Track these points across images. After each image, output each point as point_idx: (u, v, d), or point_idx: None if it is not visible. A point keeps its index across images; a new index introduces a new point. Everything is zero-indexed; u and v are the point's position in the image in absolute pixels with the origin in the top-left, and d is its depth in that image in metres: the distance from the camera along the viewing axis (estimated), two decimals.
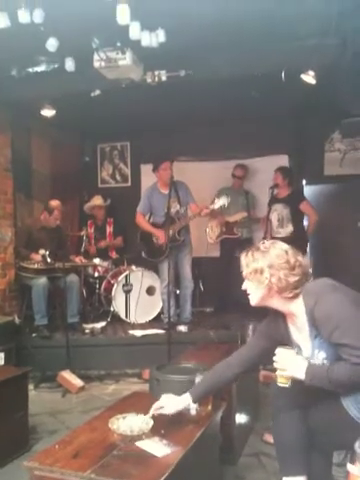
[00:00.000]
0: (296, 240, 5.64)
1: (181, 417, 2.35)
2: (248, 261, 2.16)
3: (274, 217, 5.61)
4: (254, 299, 2.21)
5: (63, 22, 3.51)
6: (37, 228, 5.60)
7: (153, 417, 2.26)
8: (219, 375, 2.42)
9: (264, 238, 5.31)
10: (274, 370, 2.11)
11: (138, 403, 2.59)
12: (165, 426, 2.23)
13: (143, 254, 5.72)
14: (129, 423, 2.22)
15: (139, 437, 2.12)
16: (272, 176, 5.80)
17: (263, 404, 3.83)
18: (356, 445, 1.58)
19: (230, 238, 6.35)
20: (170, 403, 2.33)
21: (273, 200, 5.56)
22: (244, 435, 3.32)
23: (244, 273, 2.18)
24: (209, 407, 2.44)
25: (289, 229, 5.69)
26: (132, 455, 1.98)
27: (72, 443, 2.09)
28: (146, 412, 2.31)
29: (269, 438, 3.13)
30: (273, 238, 5.51)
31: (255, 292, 2.18)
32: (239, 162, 6.53)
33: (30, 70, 4.54)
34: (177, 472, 1.87)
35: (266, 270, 2.08)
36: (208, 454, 2.44)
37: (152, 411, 2.30)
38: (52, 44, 3.70)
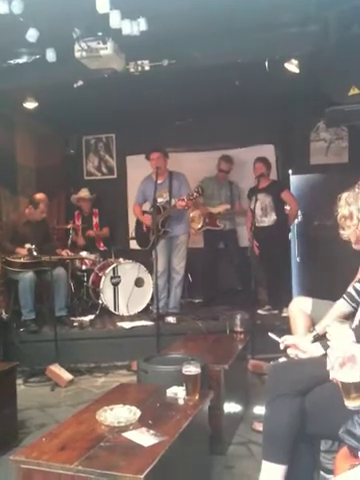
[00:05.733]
0: (279, 228, 5.73)
1: (169, 407, 2.35)
2: (341, 204, 2.17)
3: (257, 206, 5.62)
4: (354, 242, 2.23)
5: (43, 12, 3.46)
6: (22, 222, 5.54)
7: (141, 408, 2.26)
8: None
9: (250, 228, 5.32)
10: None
11: (125, 395, 2.59)
12: (152, 416, 2.22)
13: (136, 242, 5.89)
14: (116, 414, 2.21)
15: (126, 428, 2.11)
16: (253, 167, 5.79)
17: (252, 393, 3.85)
18: (340, 431, 1.59)
19: (213, 229, 6.35)
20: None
21: (254, 190, 5.58)
22: (233, 424, 3.33)
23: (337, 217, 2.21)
24: (197, 396, 2.43)
25: (273, 217, 5.72)
26: (119, 446, 1.96)
27: (59, 436, 2.08)
28: (133, 403, 2.30)
29: (258, 426, 3.15)
30: (257, 227, 5.55)
31: (350, 237, 2.20)
32: (224, 152, 6.50)
33: (11, 62, 4.48)
34: (164, 462, 1.86)
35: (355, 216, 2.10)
36: (196, 444, 2.44)
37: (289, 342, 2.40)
38: (32, 35, 3.65)
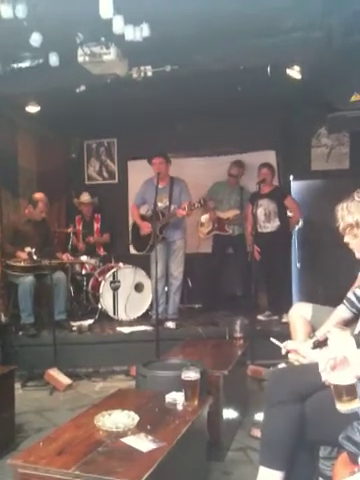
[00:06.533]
0: (282, 234, 5.72)
1: (167, 413, 2.34)
2: (343, 214, 2.13)
3: (260, 212, 5.62)
4: (357, 252, 2.20)
5: (46, 17, 3.47)
6: (22, 222, 5.53)
7: (139, 413, 2.25)
8: None
9: (251, 234, 5.31)
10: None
11: (124, 400, 2.58)
12: (151, 422, 2.21)
13: (131, 246, 5.90)
14: (115, 419, 2.20)
15: (125, 433, 2.10)
16: (258, 172, 5.78)
17: (251, 399, 3.84)
18: (340, 437, 1.58)
19: (221, 234, 6.35)
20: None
21: (256, 196, 5.58)
22: (232, 430, 3.31)
23: (340, 227, 2.16)
24: (195, 402, 2.42)
25: (276, 223, 5.70)
26: (117, 451, 1.95)
27: (57, 440, 2.07)
28: (132, 409, 2.29)
29: (257, 433, 3.13)
30: (260, 233, 5.54)
31: (356, 246, 2.17)
32: (225, 158, 6.51)
33: (14, 66, 4.48)
34: (163, 468, 1.85)
35: None
36: (195, 450, 2.43)
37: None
38: (36, 39, 3.65)
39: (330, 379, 1.70)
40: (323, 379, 1.76)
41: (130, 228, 6.02)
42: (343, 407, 1.67)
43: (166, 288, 5.68)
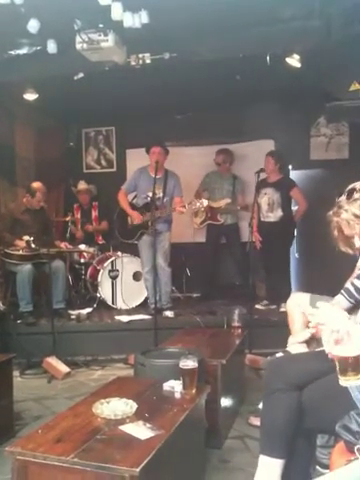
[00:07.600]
0: (285, 225, 5.68)
1: (165, 401, 2.36)
2: (351, 220, 2.06)
3: (264, 201, 5.59)
4: None
5: (44, 3, 3.44)
6: (21, 211, 5.50)
7: (137, 401, 2.26)
8: None
9: (249, 224, 5.28)
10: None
11: (122, 388, 2.59)
12: (149, 410, 2.22)
13: (116, 232, 5.81)
14: (113, 407, 2.21)
15: (123, 421, 2.11)
16: (261, 161, 5.71)
17: (249, 387, 3.86)
18: (337, 426, 1.59)
19: (214, 224, 6.35)
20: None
21: (263, 184, 5.54)
22: (229, 418, 3.33)
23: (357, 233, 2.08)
24: (193, 390, 2.43)
25: (279, 214, 5.65)
26: (115, 439, 1.96)
27: (55, 428, 2.07)
28: (130, 396, 2.30)
29: (255, 421, 3.16)
30: (262, 222, 5.52)
31: None
32: (224, 147, 6.49)
33: (12, 53, 4.45)
34: (161, 455, 1.86)
35: None
36: (193, 437, 2.44)
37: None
38: (33, 26, 3.64)
39: (334, 352, 1.67)
40: (327, 351, 1.72)
41: (115, 215, 5.89)
42: (347, 382, 1.64)
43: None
